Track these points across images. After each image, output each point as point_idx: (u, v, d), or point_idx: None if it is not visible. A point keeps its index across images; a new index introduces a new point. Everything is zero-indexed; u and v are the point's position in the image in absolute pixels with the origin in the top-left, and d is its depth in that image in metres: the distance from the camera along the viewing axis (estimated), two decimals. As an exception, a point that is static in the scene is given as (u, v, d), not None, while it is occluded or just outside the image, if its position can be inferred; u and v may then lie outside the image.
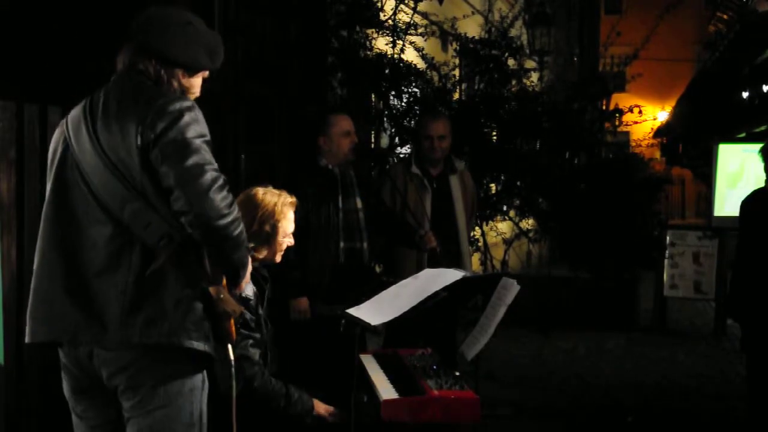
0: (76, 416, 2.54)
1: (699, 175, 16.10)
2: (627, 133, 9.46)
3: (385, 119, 6.38)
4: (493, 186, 6.94)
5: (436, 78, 6.59)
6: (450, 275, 3.49)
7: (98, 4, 4.16)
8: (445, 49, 8.57)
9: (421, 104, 6.31)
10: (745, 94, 10.79)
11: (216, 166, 2.33)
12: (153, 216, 2.32)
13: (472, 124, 6.42)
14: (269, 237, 3.19)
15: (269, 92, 5.28)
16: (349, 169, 4.63)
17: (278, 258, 3.28)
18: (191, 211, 2.27)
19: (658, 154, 17.93)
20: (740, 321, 4.73)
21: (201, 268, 2.38)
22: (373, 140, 6.93)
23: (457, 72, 7.35)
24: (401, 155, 6.24)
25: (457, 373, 3.25)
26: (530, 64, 9.66)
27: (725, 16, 17.18)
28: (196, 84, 2.55)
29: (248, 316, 3.09)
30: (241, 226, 2.38)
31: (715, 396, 6.25)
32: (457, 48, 7.73)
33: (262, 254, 3.20)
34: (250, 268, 2.55)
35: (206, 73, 2.57)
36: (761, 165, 4.52)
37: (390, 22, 6.18)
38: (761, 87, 9.93)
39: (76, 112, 2.47)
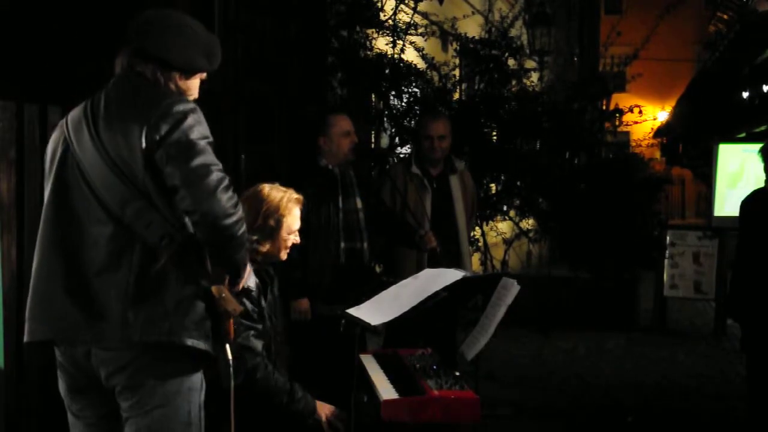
0: (72, 415, 2.54)
1: (699, 175, 16.10)
2: (627, 133, 9.46)
3: (385, 119, 6.38)
4: (493, 186, 6.95)
5: (436, 78, 6.59)
6: (450, 275, 3.49)
7: (98, 4, 4.17)
8: (445, 49, 8.57)
9: (421, 104, 6.31)
10: (745, 94, 10.79)
11: (221, 166, 2.36)
12: (155, 215, 2.33)
13: (472, 124, 6.42)
14: (273, 231, 3.19)
15: (269, 91, 5.28)
16: (349, 169, 4.63)
17: (283, 255, 3.27)
18: (197, 210, 2.30)
19: (658, 154, 17.93)
20: (740, 321, 4.73)
21: (202, 267, 2.40)
22: (373, 140, 6.93)
23: (457, 72, 7.36)
24: (401, 155, 6.24)
25: (457, 373, 3.25)
26: (530, 64, 9.65)
27: (725, 16, 17.17)
28: (193, 86, 2.56)
29: (250, 306, 3.09)
30: (244, 227, 2.41)
31: (715, 396, 6.25)
32: (457, 48, 7.73)
33: (265, 248, 3.20)
34: (249, 269, 2.55)
35: (204, 75, 2.59)
36: (761, 165, 4.52)
37: (390, 22, 6.18)
38: (761, 87, 9.94)
39: (76, 113, 2.48)
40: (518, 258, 11.04)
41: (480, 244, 6.83)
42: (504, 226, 7.86)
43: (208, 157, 2.33)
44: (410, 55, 6.38)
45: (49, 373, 2.56)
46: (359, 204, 4.57)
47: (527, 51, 10.03)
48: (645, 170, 9.51)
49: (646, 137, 9.66)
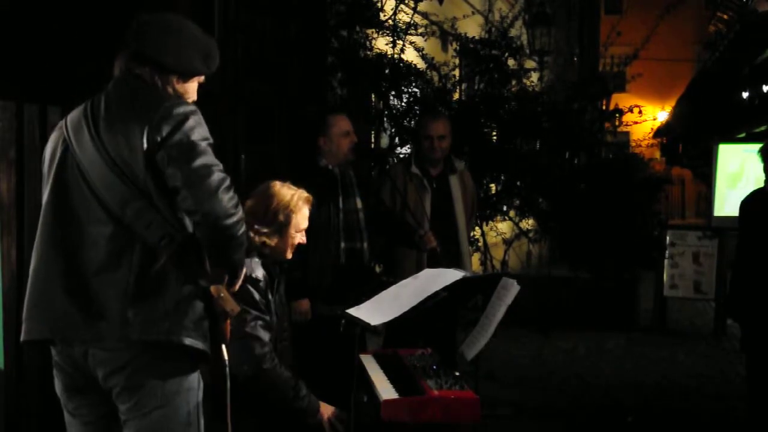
0: (69, 414, 2.54)
1: (699, 175, 16.12)
2: (627, 133, 9.46)
3: (385, 119, 6.38)
4: (493, 186, 6.94)
5: (436, 78, 6.59)
6: (450, 275, 3.49)
7: (98, 4, 4.17)
8: (445, 49, 8.58)
9: (421, 104, 6.31)
10: (745, 94, 10.79)
11: (222, 167, 2.37)
12: (155, 216, 2.34)
13: (472, 124, 6.42)
14: (282, 227, 3.21)
15: (269, 91, 5.28)
16: (349, 169, 4.63)
17: (289, 254, 3.28)
18: (199, 210, 2.31)
19: (658, 154, 17.93)
20: (740, 321, 4.73)
21: (201, 267, 2.40)
22: (373, 140, 6.93)
23: (457, 72, 7.35)
24: (401, 155, 6.24)
25: (457, 373, 3.25)
26: (530, 64, 9.66)
27: (725, 16, 17.18)
28: (191, 89, 2.57)
29: (257, 296, 3.09)
30: (245, 227, 2.42)
31: (715, 396, 6.25)
32: (457, 48, 7.73)
33: (273, 241, 3.21)
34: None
35: (202, 78, 2.60)
36: (761, 165, 4.52)
37: (390, 22, 6.18)
38: (761, 87, 9.94)
39: (75, 115, 2.49)
40: (518, 258, 11.04)
41: (480, 244, 6.83)
42: (504, 226, 7.86)
43: (209, 158, 2.35)
44: (410, 55, 6.38)
45: (49, 373, 2.56)
46: (359, 204, 4.57)
47: (527, 51, 10.04)
48: (645, 170, 9.51)
49: (646, 137, 9.67)
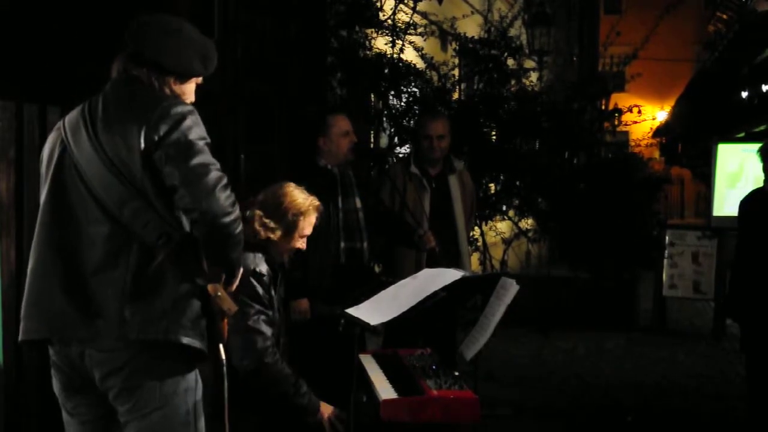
0: (67, 413, 2.54)
1: (698, 175, 16.14)
2: (626, 133, 9.47)
3: (384, 119, 6.38)
4: (492, 186, 6.95)
5: (435, 78, 6.59)
6: (449, 275, 3.49)
7: (98, 4, 4.17)
8: (444, 48, 8.58)
9: (421, 104, 6.31)
10: (744, 94, 10.80)
11: (219, 166, 2.38)
12: (152, 215, 2.35)
13: (472, 124, 6.42)
14: (289, 225, 3.23)
15: (269, 91, 5.28)
16: (349, 169, 4.63)
17: (286, 257, 3.31)
18: (197, 208, 2.32)
19: (657, 154, 17.94)
20: (740, 321, 4.73)
21: (199, 266, 2.41)
22: (372, 140, 6.93)
23: (456, 72, 7.35)
24: (400, 155, 6.24)
25: (457, 373, 3.26)
26: (530, 64, 9.66)
27: (725, 16, 17.20)
28: (188, 90, 2.58)
29: (261, 291, 3.10)
30: (242, 226, 2.42)
31: (715, 396, 6.25)
32: (457, 48, 7.73)
33: (277, 235, 3.22)
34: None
35: (200, 79, 2.60)
36: (760, 165, 4.52)
37: (389, 21, 6.18)
38: (760, 87, 9.95)
39: (73, 116, 2.50)
40: (517, 258, 11.04)
41: (479, 243, 6.84)
42: (503, 226, 7.86)
43: (207, 156, 2.36)
44: (409, 55, 6.38)
45: (48, 372, 2.56)
46: (359, 204, 4.56)
47: (526, 51, 10.04)
48: (644, 170, 9.51)
49: (646, 137, 9.66)
